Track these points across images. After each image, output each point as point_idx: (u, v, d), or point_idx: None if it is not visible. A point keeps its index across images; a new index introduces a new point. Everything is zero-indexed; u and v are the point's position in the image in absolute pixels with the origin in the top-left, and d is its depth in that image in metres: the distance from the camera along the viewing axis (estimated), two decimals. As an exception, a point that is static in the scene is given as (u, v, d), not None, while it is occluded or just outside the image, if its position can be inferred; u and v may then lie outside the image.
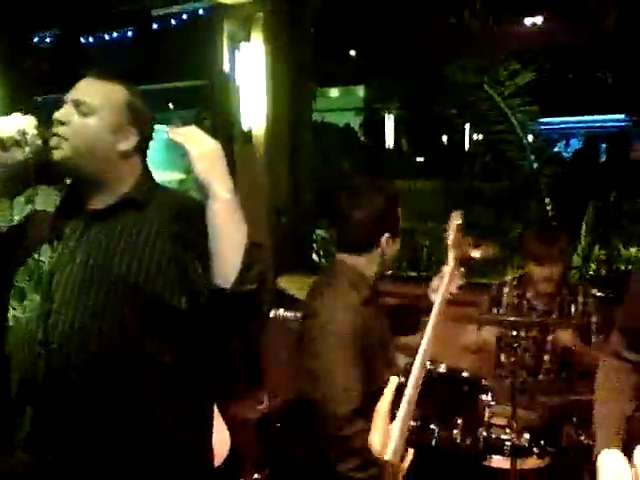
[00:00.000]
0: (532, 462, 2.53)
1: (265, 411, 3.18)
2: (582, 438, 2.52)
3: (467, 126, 8.25)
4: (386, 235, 2.12)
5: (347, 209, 2.13)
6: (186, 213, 1.52)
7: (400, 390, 1.36)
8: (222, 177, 1.38)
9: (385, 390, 1.31)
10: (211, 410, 1.72)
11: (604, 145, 6.72)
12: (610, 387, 1.77)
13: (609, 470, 1.61)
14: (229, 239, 1.38)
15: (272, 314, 3.45)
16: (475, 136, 7.57)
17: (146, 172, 1.64)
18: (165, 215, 1.52)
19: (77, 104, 1.54)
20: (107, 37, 5.36)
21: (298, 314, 3.37)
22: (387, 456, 1.24)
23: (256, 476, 2.95)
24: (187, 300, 1.47)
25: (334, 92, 14.00)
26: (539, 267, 3.00)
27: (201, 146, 1.37)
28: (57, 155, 1.51)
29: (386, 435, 1.26)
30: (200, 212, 1.41)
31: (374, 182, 2.20)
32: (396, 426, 1.27)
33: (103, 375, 1.49)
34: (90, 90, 1.57)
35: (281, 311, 3.43)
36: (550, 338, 3.02)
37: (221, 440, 3.20)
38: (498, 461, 2.51)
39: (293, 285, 3.12)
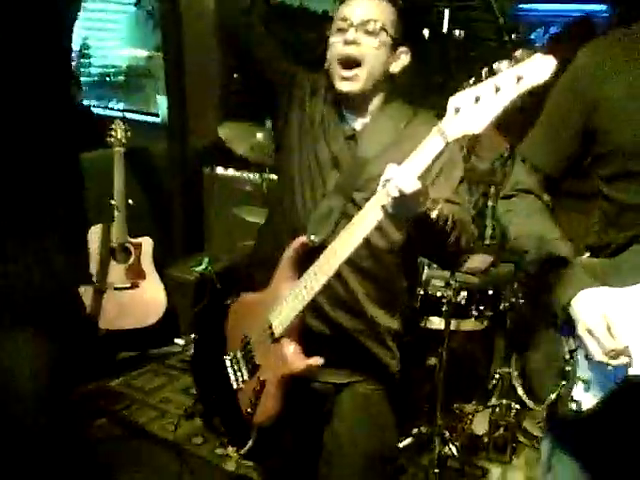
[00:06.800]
0: (470, 324, 2.48)
1: (205, 273, 3.07)
2: (521, 302, 2.45)
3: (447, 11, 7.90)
4: None
5: None
6: None
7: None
8: None
9: None
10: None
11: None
12: (530, 210, 1.38)
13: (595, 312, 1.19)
14: None
15: (214, 172, 3.25)
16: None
17: None
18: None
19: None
20: None
21: (244, 174, 3.17)
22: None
23: (193, 336, 2.88)
24: None
25: (313, -24, 13.27)
26: None
27: None
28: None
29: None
30: None
31: None
32: None
33: None
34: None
35: (229, 170, 3.17)
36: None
37: (158, 299, 3.12)
38: (436, 322, 2.46)
39: (236, 135, 2.67)
